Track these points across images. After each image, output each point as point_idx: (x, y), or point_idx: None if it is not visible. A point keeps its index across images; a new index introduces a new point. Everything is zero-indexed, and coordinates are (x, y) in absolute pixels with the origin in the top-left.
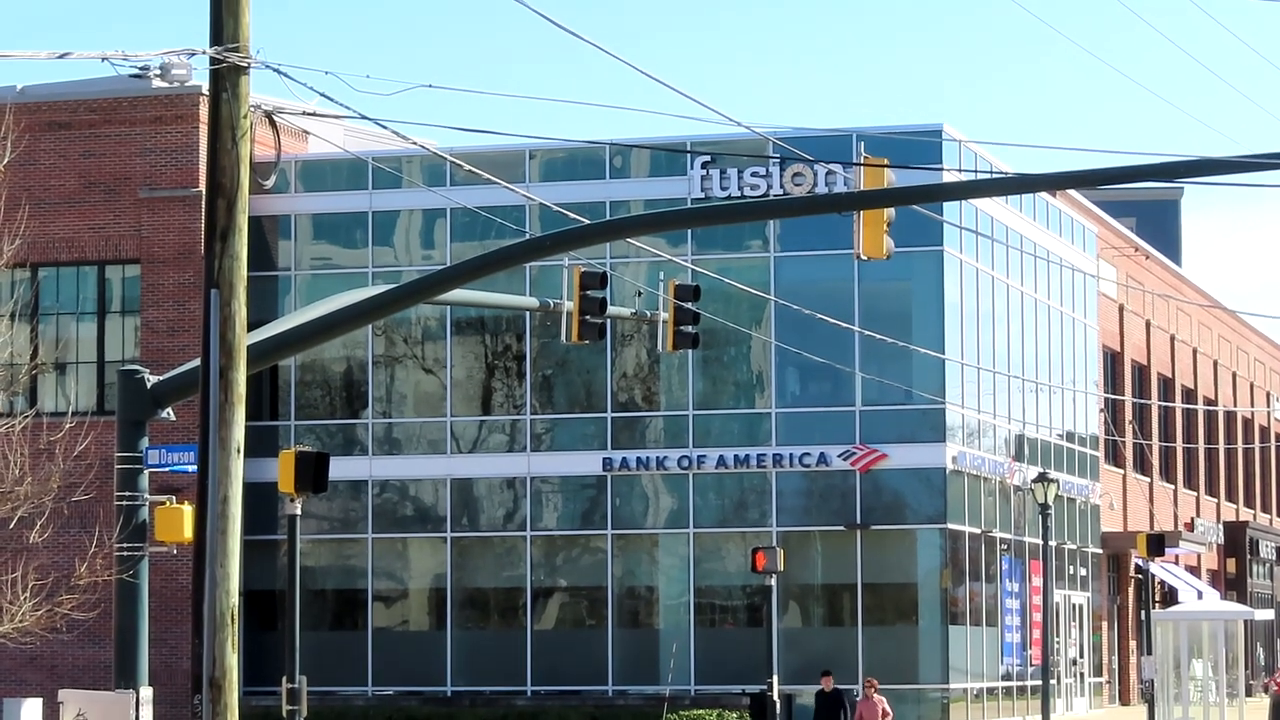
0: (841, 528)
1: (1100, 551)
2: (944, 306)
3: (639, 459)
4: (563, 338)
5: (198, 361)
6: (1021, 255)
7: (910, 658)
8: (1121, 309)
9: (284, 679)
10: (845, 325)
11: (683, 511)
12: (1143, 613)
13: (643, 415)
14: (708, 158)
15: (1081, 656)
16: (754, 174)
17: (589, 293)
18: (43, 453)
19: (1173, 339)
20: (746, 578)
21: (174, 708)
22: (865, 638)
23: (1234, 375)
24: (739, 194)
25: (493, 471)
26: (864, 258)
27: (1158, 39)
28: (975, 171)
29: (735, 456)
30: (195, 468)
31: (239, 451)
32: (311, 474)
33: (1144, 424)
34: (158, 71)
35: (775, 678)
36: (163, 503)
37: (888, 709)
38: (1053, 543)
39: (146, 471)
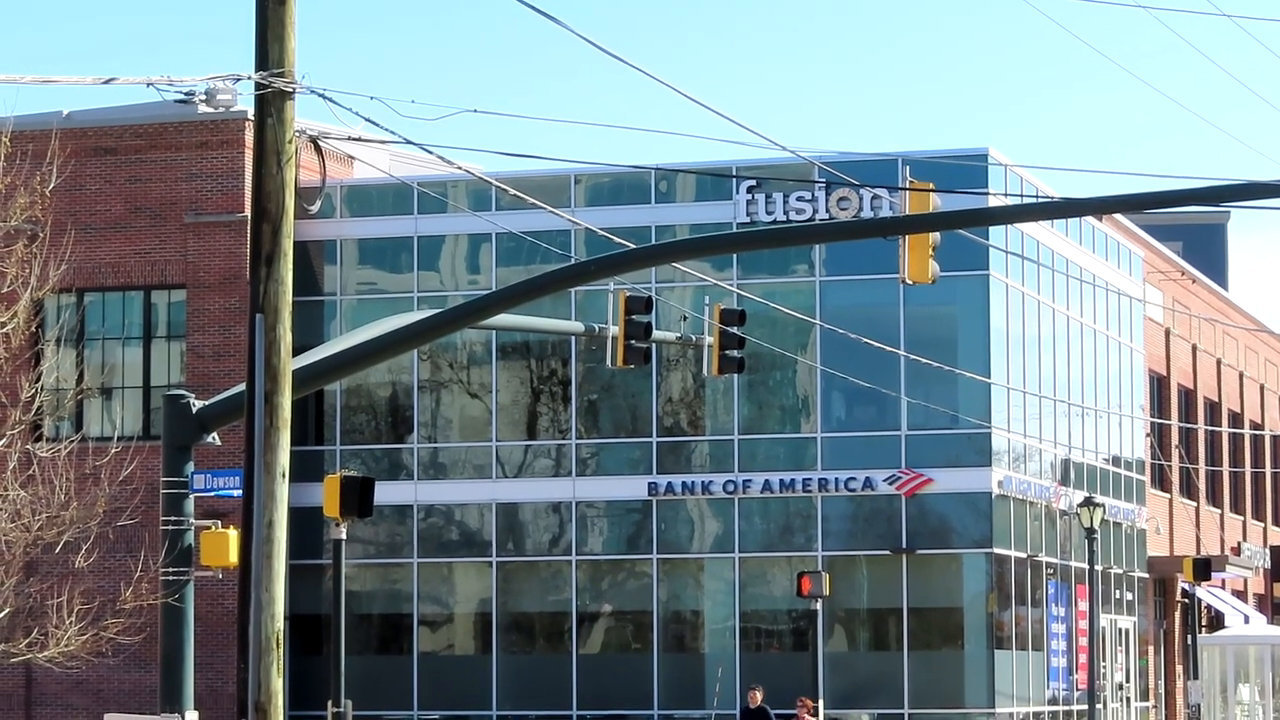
0: (887, 552)
1: (1146, 576)
2: (990, 331)
3: (684, 483)
4: (608, 362)
5: (243, 386)
6: (1067, 279)
7: (956, 682)
8: (1168, 333)
9: (329, 703)
10: (891, 349)
11: (728, 536)
12: (1189, 637)
13: (688, 440)
14: (753, 182)
15: (1128, 681)
16: (799, 198)
17: (634, 317)
18: (88, 477)
19: (1219, 363)
20: (792, 602)
21: None
22: (911, 662)
23: None
24: (784, 218)
25: (538, 496)
26: (909, 282)
27: (1204, 62)
28: (1021, 196)
29: (781, 481)
30: (240, 492)
31: (284, 476)
32: (357, 498)
33: (1190, 448)
34: (203, 97)
35: (821, 702)
36: (208, 527)
37: None
38: (1099, 567)
39: (192, 496)
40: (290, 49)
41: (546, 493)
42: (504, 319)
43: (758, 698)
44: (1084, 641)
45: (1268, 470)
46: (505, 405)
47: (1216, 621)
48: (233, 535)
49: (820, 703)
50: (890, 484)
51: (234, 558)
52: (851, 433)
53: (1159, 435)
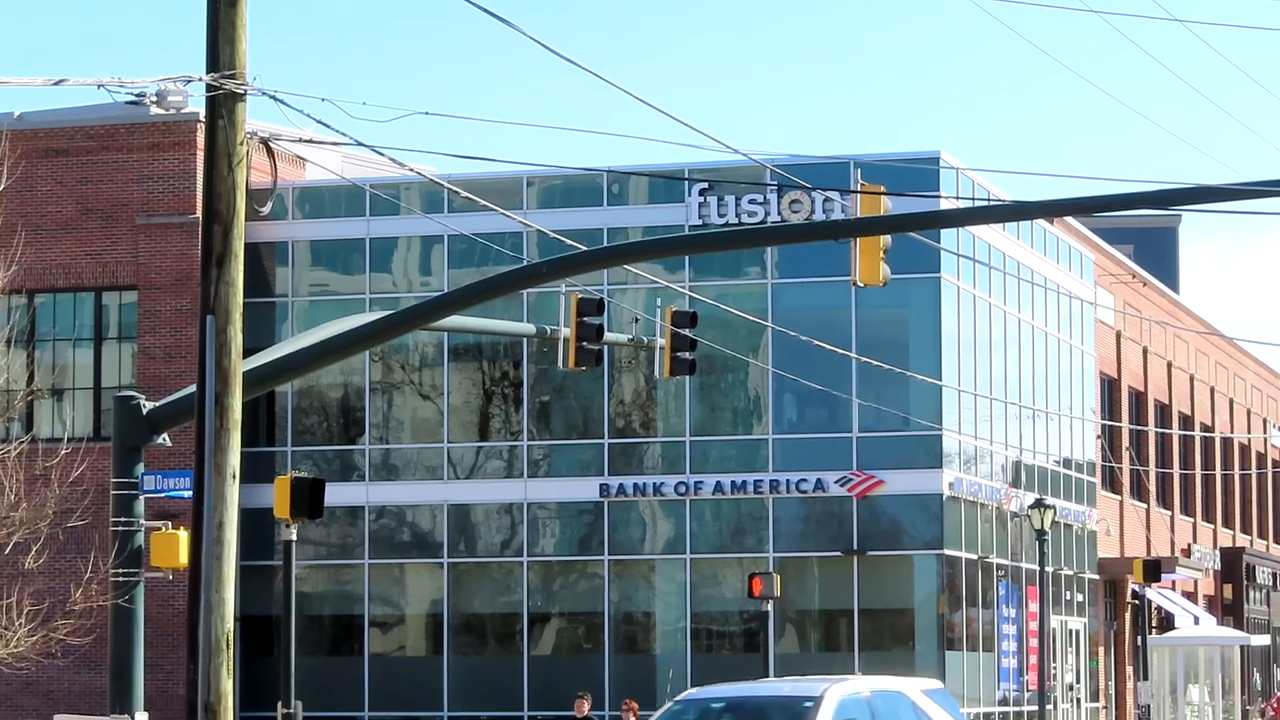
0: (838, 553)
1: (1097, 577)
2: (941, 333)
3: (636, 485)
4: (560, 364)
5: (194, 387)
6: (1019, 282)
7: None
8: (1119, 336)
9: (280, 704)
10: (842, 352)
11: (680, 537)
12: (1139, 638)
13: (640, 441)
14: (705, 185)
15: (1078, 682)
16: (751, 201)
17: (586, 319)
18: (39, 478)
19: (1170, 365)
20: (743, 603)
21: None
22: (862, 663)
23: (1231, 401)
24: (736, 221)
25: (490, 498)
26: (861, 284)
27: (1155, 67)
28: (972, 199)
29: (732, 483)
30: (191, 494)
31: (234, 477)
32: (307, 500)
33: (1141, 450)
34: (154, 98)
35: None
36: (158, 528)
37: None
38: (1049, 568)
39: (142, 497)
40: (241, 51)
41: (498, 494)
42: (456, 320)
43: (585, 708)
44: (1034, 642)
45: (1218, 472)
46: (457, 407)
47: (1166, 623)
48: (183, 536)
49: None
50: (841, 486)
51: (184, 559)
52: (803, 434)
53: (1110, 437)
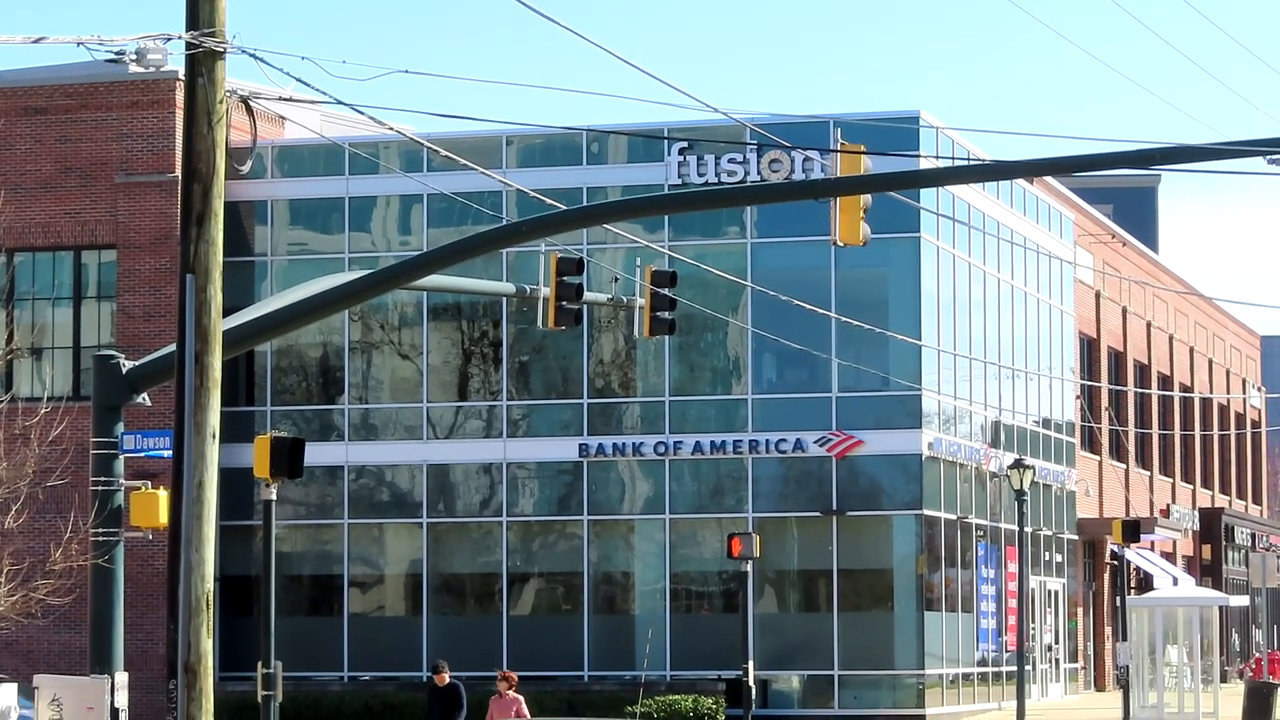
0: (818, 514)
1: (1076, 538)
2: (920, 293)
3: (615, 445)
4: (539, 324)
5: (174, 347)
6: (998, 242)
7: (886, 644)
8: (1098, 295)
9: (259, 664)
10: (822, 311)
11: (659, 497)
12: (1118, 599)
13: (619, 401)
14: (685, 144)
15: (1057, 642)
16: (731, 160)
17: (565, 278)
18: (18, 438)
19: (1149, 325)
20: (722, 564)
21: (149, 693)
22: (841, 624)
23: (1210, 362)
24: (716, 180)
25: (469, 457)
26: (840, 244)
27: (1136, 26)
28: (952, 158)
29: (712, 443)
30: (170, 453)
31: (214, 437)
32: (287, 459)
33: (1120, 410)
34: (134, 56)
35: (751, 663)
36: (138, 488)
37: (524, 710)
38: (1029, 529)
39: (122, 457)
40: (221, 9)
41: (477, 454)
42: (435, 280)
43: (445, 678)
44: (1013, 603)
45: (1196, 433)
46: (436, 366)
47: (1145, 583)
48: (163, 496)
49: (750, 664)
50: (821, 446)
51: (164, 518)
52: (782, 394)
53: (1089, 397)
